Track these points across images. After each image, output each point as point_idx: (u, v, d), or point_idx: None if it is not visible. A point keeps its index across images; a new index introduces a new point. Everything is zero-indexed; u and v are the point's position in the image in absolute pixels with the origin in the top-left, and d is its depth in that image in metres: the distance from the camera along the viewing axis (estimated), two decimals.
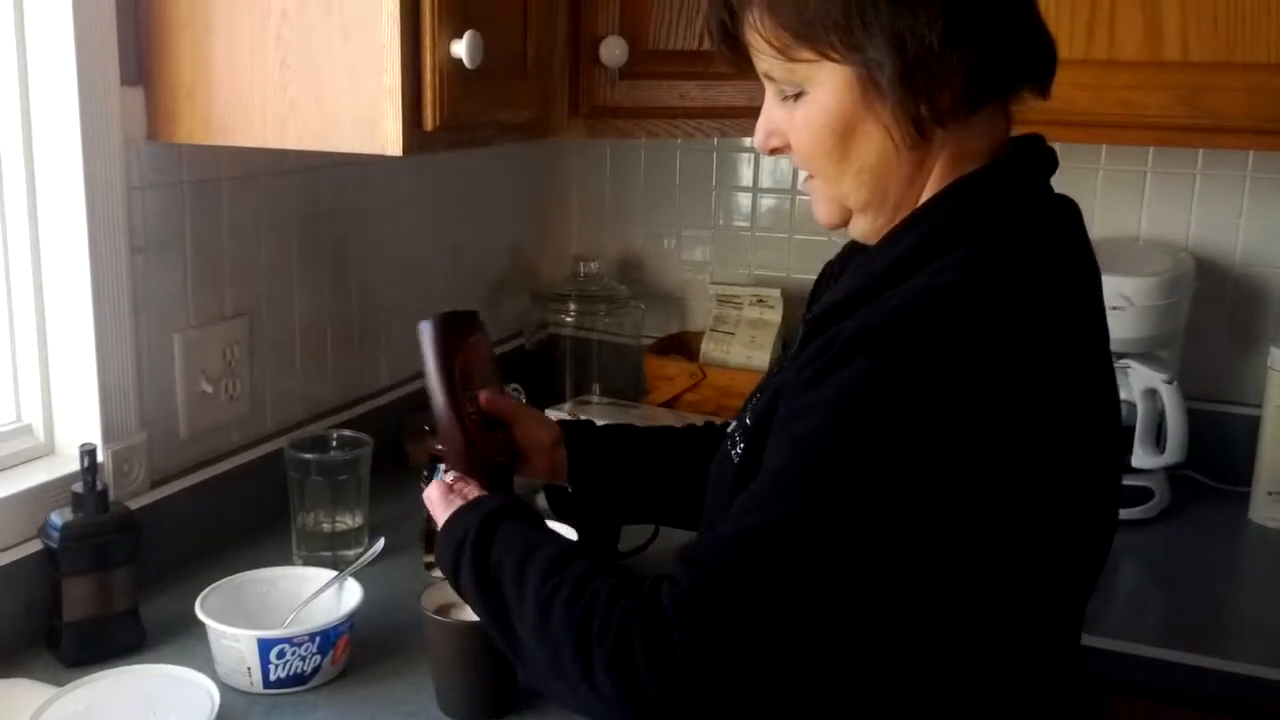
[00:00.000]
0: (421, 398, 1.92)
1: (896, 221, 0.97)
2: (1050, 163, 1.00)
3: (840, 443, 0.85)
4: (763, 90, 1.62)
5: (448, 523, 1.08)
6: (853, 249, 1.10)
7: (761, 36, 0.95)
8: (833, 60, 0.92)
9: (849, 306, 0.94)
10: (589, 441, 1.33)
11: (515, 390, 1.94)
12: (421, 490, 1.48)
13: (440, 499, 1.12)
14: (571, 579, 0.92)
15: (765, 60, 0.96)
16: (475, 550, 1.01)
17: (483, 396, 1.24)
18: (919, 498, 0.85)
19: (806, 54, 0.93)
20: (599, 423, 1.39)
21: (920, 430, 0.84)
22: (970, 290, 0.88)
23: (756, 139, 1.01)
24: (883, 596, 0.86)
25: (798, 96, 0.96)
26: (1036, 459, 0.88)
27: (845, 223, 1.01)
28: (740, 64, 0.99)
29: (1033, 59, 0.96)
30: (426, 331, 1.21)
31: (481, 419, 1.23)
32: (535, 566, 0.96)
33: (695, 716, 0.86)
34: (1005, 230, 0.93)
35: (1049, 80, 0.98)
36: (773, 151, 1.00)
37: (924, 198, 0.96)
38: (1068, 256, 0.97)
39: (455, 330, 1.22)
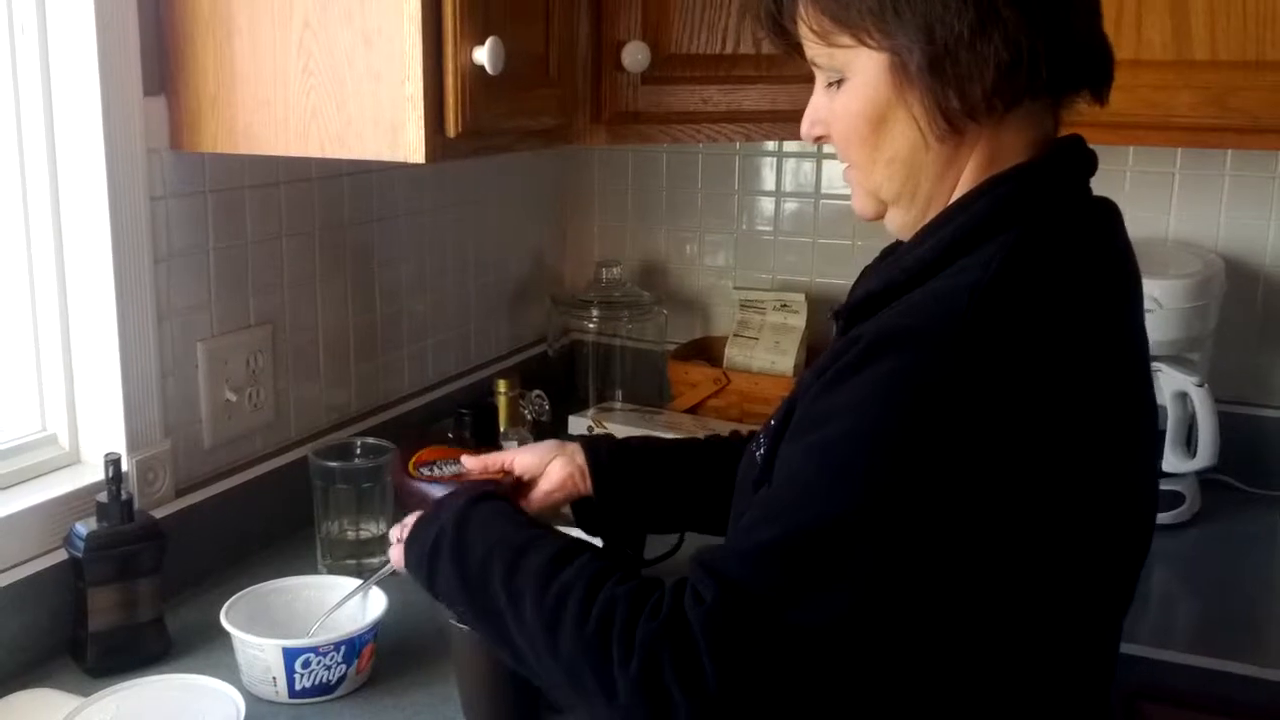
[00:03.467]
0: (443, 404, 1.93)
1: (929, 218, 0.97)
2: (1089, 164, 0.99)
3: (861, 449, 0.84)
4: (786, 94, 1.62)
5: (413, 528, 1.11)
6: (891, 250, 1.09)
7: (804, 23, 0.96)
8: (869, 46, 0.93)
9: (872, 306, 0.93)
10: (607, 442, 1.33)
11: (539, 397, 1.93)
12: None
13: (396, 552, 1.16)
14: (577, 591, 0.91)
15: (810, 46, 0.97)
16: (453, 548, 1.03)
17: (464, 458, 1.29)
18: (945, 504, 0.83)
19: (845, 39, 0.94)
20: (619, 434, 1.39)
21: (944, 433, 0.83)
22: (995, 288, 0.87)
23: (802, 127, 1.02)
24: (908, 605, 0.85)
25: (839, 84, 0.97)
26: (1062, 462, 0.87)
27: (881, 215, 1.01)
28: (790, 53, 1.01)
29: (1080, 63, 0.94)
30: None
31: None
32: (529, 571, 0.95)
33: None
34: (1035, 229, 0.91)
35: (1103, 86, 0.97)
36: (817, 140, 1.01)
37: (957, 194, 0.95)
38: (1100, 258, 0.95)
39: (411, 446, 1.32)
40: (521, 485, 1.31)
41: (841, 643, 0.83)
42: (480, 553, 1.02)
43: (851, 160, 0.99)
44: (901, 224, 0.99)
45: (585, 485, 1.31)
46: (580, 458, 1.30)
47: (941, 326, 0.85)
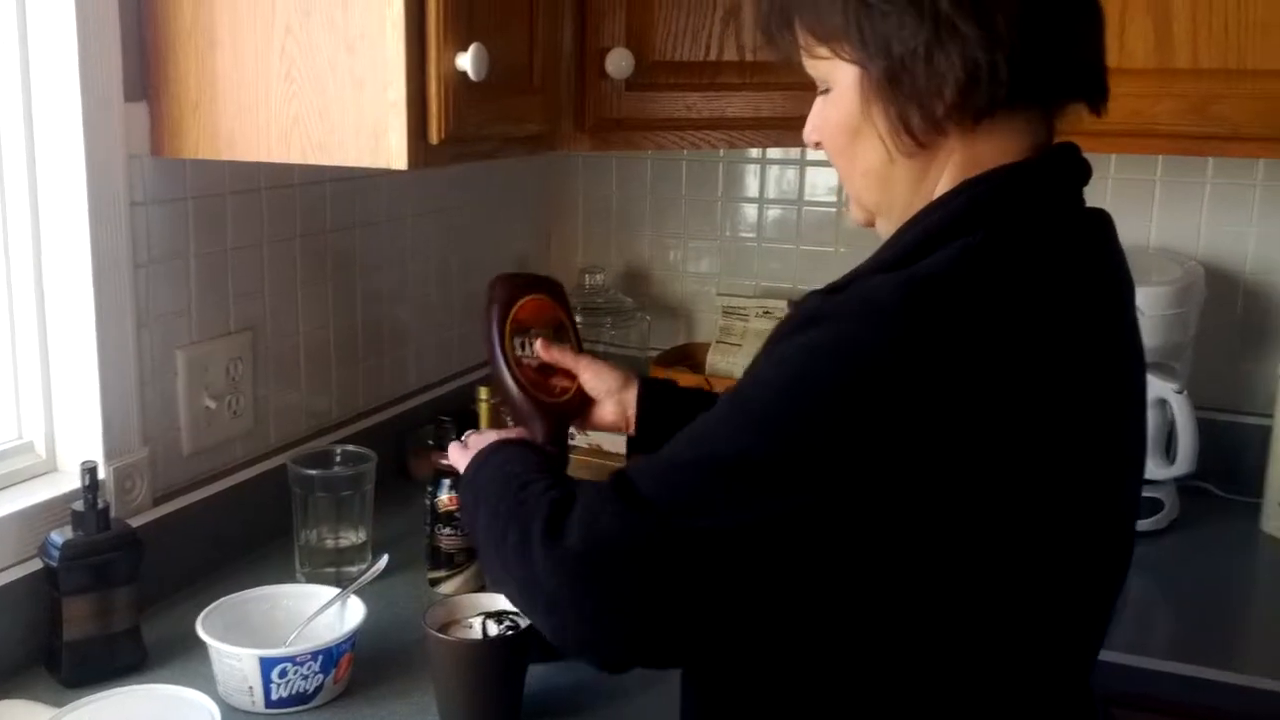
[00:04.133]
0: (424, 412, 1.92)
1: None
2: (1080, 171, 0.98)
3: (761, 396, 0.87)
4: (769, 102, 1.63)
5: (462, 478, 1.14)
6: None
7: (790, 35, 0.99)
8: (843, 59, 0.95)
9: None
10: (664, 395, 1.33)
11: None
12: (426, 505, 1.49)
13: (456, 453, 1.18)
14: (521, 488, 0.98)
15: (803, 57, 1.00)
16: (472, 477, 1.08)
17: (539, 343, 1.28)
18: (840, 467, 0.83)
19: (823, 51, 0.96)
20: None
21: (858, 398, 0.83)
22: (932, 281, 0.86)
23: (804, 131, 1.04)
24: (781, 555, 0.85)
25: (827, 94, 0.99)
26: (978, 455, 0.85)
27: (871, 223, 1.03)
28: (787, 62, 1.03)
29: (1054, 75, 0.93)
30: (491, 286, 1.29)
31: (538, 364, 1.29)
32: (503, 496, 1.00)
33: (578, 599, 0.87)
34: (1004, 231, 0.90)
35: (1088, 96, 0.96)
36: (816, 145, 1.03)
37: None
38: (1079, 267, 0.94)
39: (516, 285, 1.30)
40: (583, 398, 1.32)
41: (700, 556, 0.84)
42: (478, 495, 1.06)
43: (837, 170, 1.02)
44: (887, 234, 0.99)
45: (631, 430, 1.32)
46: (633, 407, 1.31)
47: (866, 308, 0.86)
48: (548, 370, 1.29)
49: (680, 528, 0.84)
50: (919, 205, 0.95)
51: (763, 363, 0.90)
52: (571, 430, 1.39)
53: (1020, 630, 0.93)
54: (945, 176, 0.95)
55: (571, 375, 1.31)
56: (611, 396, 1.31)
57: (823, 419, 0.83)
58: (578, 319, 2.13)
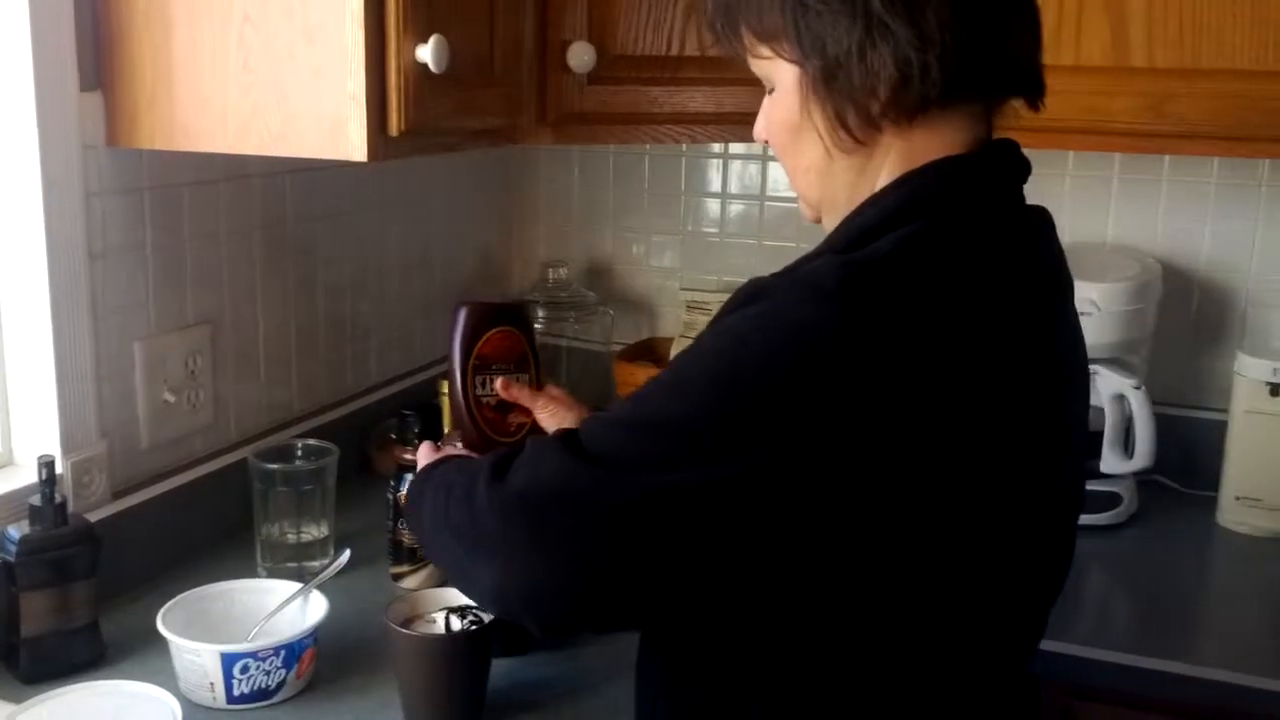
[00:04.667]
0: (387, 405, 1.91)
1: None
2: (1018, 167, 0.99)
3: (695, 364, 0.89)
4: (731, 97, 1.64)
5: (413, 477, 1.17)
6: None
7: (740, 36, 1.00)
8: (784, 58, 0.96)
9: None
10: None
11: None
12: (388, 500, 1.48)
13: (424, 455, 1.19)
14: (469, 463, 1.02)
15: (748, 57, 1.01)
16: (419, 483, 1.11)
17: (499, 380, 1.29)
18: (771, 437, 0.84)
19: (765, 51, 0.98)
20: None
21: (792, 372, 0.84)
22: (870, 264, 0.88)
23: (754, 132, 1.06)
24: (728, 526, 0.85)
25: (772, 93, 1.01)
26: (891, 439, 0.85)
27: (818, 219, 1.04)
28: (737, 58, 1.04)
29: (988, 72, 0.94)
30: (457, 315, 1.29)
31: (496, 401, 1.29)
32: (449, 474, 1.04)
33: (517, 541, 0.89)
34: (940, 223, 0.92)
35: (1024, 92, 0.98)
36: (766, 144, 1.04)
37: None
38: (1013, 262, 0.95)
39: (481, 318, 1.29)
40: (540, 433, 1.31)
41: (636, 512, 0.86)
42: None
43: (784, 168, 1.04)
44: (833, 227, 1.00)
45: None
46: None
47: (804, 287, 0.87)
48: (506, 407, 1.30)
49: (615, 480, 0.87)
50: (860, 200, 0.97)
51: (707, 334, 0.92)
52: None
53: (954, 612, 0.94)
54: (884, 172, 0.96)
55: (529, 411, 1.31)
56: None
57: (756, 389, 0.85)
58: (540, 314, 2.15)
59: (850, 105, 0.93)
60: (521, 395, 1.29)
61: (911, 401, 0.85)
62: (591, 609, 0.92)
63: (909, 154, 0.95)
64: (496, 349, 1.29)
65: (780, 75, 0.98)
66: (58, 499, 1.26)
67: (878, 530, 0.87)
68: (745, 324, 0.88)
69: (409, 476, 1.43)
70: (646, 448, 0.87)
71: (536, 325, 2.16)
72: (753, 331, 0.87)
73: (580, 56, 1.59)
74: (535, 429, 1.30)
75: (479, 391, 1.28)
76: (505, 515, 0.90)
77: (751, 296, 0.90)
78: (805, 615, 0.92)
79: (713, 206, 2.25)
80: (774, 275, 0.92)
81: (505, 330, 1.30)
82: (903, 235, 0.90)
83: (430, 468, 1.12)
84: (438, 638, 1.20)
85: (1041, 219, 1.01)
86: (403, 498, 1.45)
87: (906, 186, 0.94)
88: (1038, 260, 0.99)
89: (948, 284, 0.89)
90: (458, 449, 1.24)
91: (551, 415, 1.29)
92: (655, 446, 0.87)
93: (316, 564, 1.50)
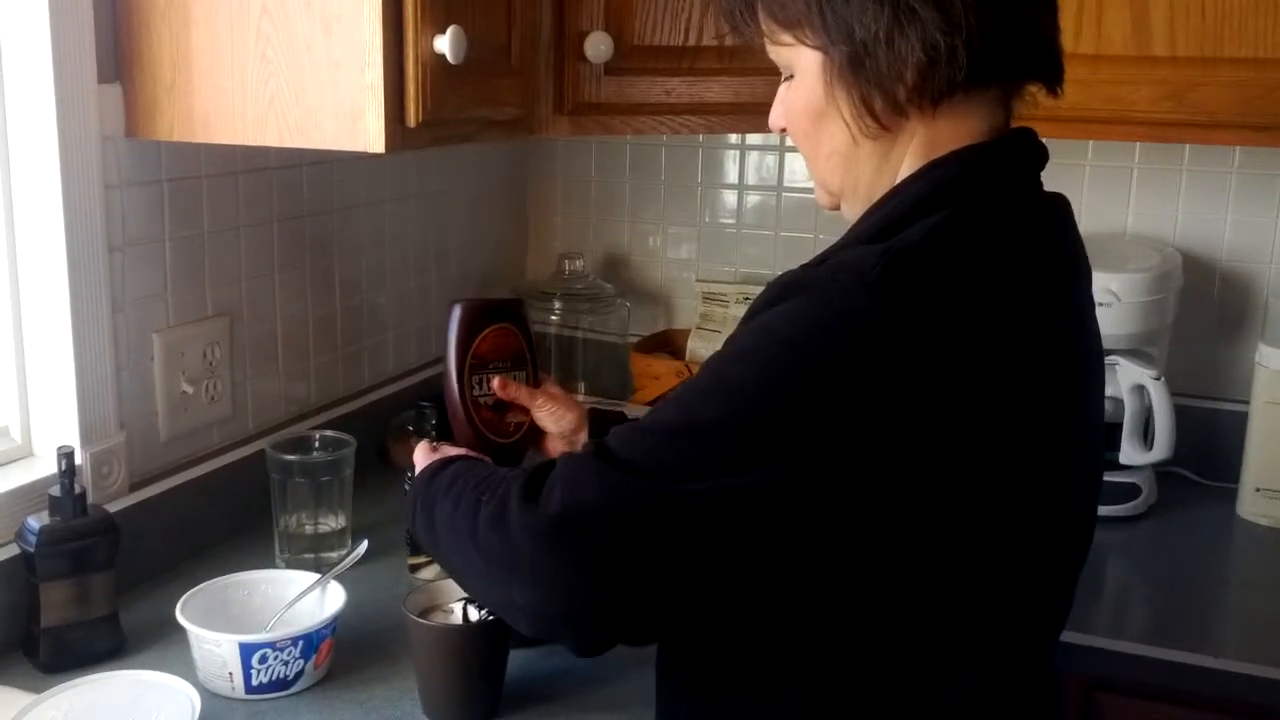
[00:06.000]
0: (404, 397, 1.91)
1: None
2: (1037, 156, 1.00)
3: (735, 364, 0.88)
4: (748, 87, 1.63)
5: (415, 479, 1.14)
6: None
7: (755, 21, 1.00)
8: (806, 44, 0.96)
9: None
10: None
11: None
12: (405, 491, 1.48)
13: (421, 457, 1.16)
14: (489, 474, 0.99)
15: (766, 44, 1.01)
16: (425, 487, 1.08)
17: (496, 380, 1.27)
18: (822, 434, 0.83)
19: (787, 38, 0.98)
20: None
21: (842, 364, 0.83)
22: (907, 253, 0.87)
23: (770, 117, 1.05)
24: (776, 527, 0.85)
25: (791, 80, 1.00)
26: (942, 430, 0.85)
27: (836, 206, 1.04)
28: (754, 46, 1.04)
29: (1011, 57, 0.94)
30: (452, 313, 1.28)
31: (493, 401, 1.27)
32: (467, 484, 1.02)
33: (556, 565, 0.87)
34: (966, 211, 0.92)
35: (1047, 78, 0.98)
36: (781, 131, 1.04)
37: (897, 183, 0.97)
38: (1034, 249, 0.96)
39: (478, 315, 1.28)
40: (537, 432, 1.30)
41: (681, 521, 0.85)
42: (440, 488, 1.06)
43: (803, 155, 1.03)
44: (853, 216, 1.01)
45: None
46: (581, 443, 1.29)
47: (848, 277, 0.86)
48: (504, 406, 1.28)
49: (662, 491, 0.85)
50: (882, 187, 0.97)
51: (742, 333, 0.90)
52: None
53: (981, 598, 0.94)
54: (908, 158, 0.96)
55: (527, 409, 1.29)
56: (564, 437, 1.29)
57: (805, 386, 0.84)
58: (557, 305, 2.15)
59: (877, 91, 0.93)
60: (520, 394, 1.27)
61: (951, 389, 0.85)
62: (637, 626, 0.91)
63: (932, 140, 0.95)
64: (494, 347, 1.28)
65: (802, 62, 0.97)
66: (77, 490, 1.27)
67: (915, 519, 0.87)
68: (783, 320, 0.87)
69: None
70: (689, 454, 0.86)
71: (553, 317, 2.16)
72: (797, 328, 0.86)
73: (597, 46, 1.59)
74: (533, 428, 1.29)
75: (476, 391, 1.26)
76: (544, 541, 0.87)
77: (785, 291, 0.89)
78: (839, 606, 0.91)
79: (729, 198, 2.24)
80: (805, 268, 0.91)
81: (502, 327, 1.29)
82: (932, 224, 0.90)
83: (435, 470, 1.10)
84: (455, 628, 1.20)
85: (1060, 206, 1.01)
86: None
87: (930, 176, 0.94)
88: (1058, 246, 0.99)
89: (980, 271, 0.89)
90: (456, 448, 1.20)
91: (550, 414, 1.28)
92: (699, 452, 0.86)
93: (334, 555, 1.50)
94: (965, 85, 0.92)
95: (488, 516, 0.93)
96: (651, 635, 0.98)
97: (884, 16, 0.90)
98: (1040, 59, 0.97)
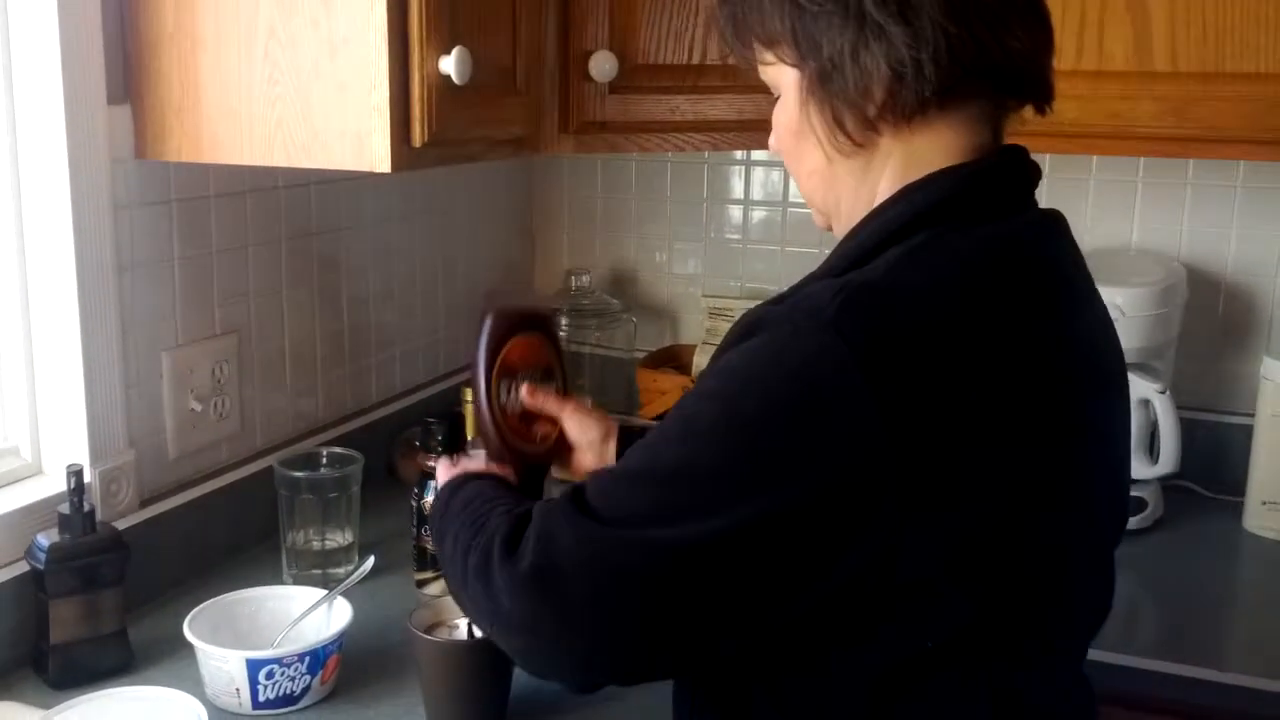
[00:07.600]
0: (411, 414, 1.92)
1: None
2: (1026, 173, 0.98)
3: (700, 409, 0.88)
4: (752, 104, 1.64)
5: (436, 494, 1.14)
6: None
7: (746, 43, 1.00)
8: (785, 63, 0.97)
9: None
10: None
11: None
12: (412, 507, 1.49)
13: (443, 472, 1.17)
14: (486, 513, 0.99)
15: (756, 65, 1.01)
16: (442, 508, 1.08)
17: (525, 389, 1.25)
18: (783, 475, 0.82)
19: (769, 56, 0.98)
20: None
21: (796, 405, 0.83)
22: (868, 288, 0.86)
23: (769, 142, 1.05)
24: (736, 565, 0.84)
25: (779, 100, 1.01)
26: (906, 465, 0.83)
27: (830, 226, 1.03)
28: (748, 70, 1.04)
29: (984, 74, 0.92)
30: (484, 322, 1.24)
31: (521, 411, 1.25)
32: (465, 522, 1.01)
33: (537, 617, 0.87)
34: (944, 235, 0.90)
35: (1025, 94, 0.96)
36: (779, 153, 1.04)
37: (876, 204, 0.96)
38: (1017, 265, 0.93)
39: (509, 323, 1.24)
40: (565, 444, 1.29)
41: (653, 567, 0.84)
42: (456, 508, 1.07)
43: (790, 173, 1.04)
44: (841, 234, 1.00)
45: None
46: (612, 457, 1.28)
47: (801, 316, 0.85)
48: (531, 416, 1.26)
49: (634, 539, 0.85)
50: (863, 206, 0.96)
51: (707, 373, 0.91)
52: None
53: (987, 628, 0.92)
54: (886, 177, 0.95)
55: (555, 420, 1.28)
56: (593, 448, 1.28)
57: (763, 430, 0.83)
58: (563, 321, 2.15)
59: (847, 107, 0.93)
60: (549, 404, 1.26)
61: (917, 423, 0.83)
62: (622, 668, 0.91)
63: (910, 158, 0.94)
64: (522, 357, 1.24)
65: (783, 80, 0.98)
66: (86, 507, 1.28)
67: (889, 551, 0.85)
68: (744, 360, 0.87)
69: (432, 484, 1.44)
70: (659, 501, 0.86)
71: (560, 333, 2.16)
72: (753, 367, 0.86)
73: (602, 66, 1.60)
74: (561, 439, 1.28)
75: (503, 400, 1.23)
76: (523, 595, 0.88)
77: (748, 331, 0.88)
78: (818, 639, 0.91)
79: (735, 213, 2.25)
80: (768, 304, 0.90)
81: (533, 337, 1.26)
82: (900, 252, 0.89)
83: (451, 490, 1.09)
84: (461, 644, 1.20)
85: (1052, 222, 0.99)
86: (426, 504, 1.45)
87: (904, 201, 0.93)
88: (1048, 264, 0.97)
89: (945, 302, 0.87)
90: (479, 459, 1.19)
91: (578, 424, 1.27)
92: (668, 498, 0.86)
93: (341, 571, 1.51)
94: (939, 102, 0.91)
95: (474, 567, 0.94)
96: (641, 675, 0.97)
97: (849, 31, 0.90)
98: (1018, 75, 0.95)
